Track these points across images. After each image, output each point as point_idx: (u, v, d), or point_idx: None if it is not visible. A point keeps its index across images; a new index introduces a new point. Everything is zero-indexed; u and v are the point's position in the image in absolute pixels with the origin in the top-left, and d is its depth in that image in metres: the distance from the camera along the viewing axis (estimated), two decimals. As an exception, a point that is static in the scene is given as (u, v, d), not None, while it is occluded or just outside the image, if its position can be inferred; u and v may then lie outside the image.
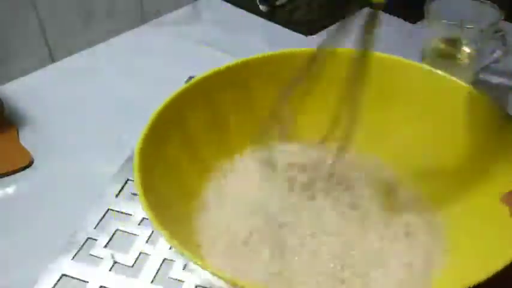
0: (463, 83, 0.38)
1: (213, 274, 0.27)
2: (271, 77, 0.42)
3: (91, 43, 0.61)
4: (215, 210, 0.39)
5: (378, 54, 0.39)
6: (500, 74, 0.56)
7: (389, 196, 0.39)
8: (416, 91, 0.40)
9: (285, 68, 0.42)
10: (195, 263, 0.28)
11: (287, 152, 0.42)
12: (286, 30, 0.65)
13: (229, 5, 0.70)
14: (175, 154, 0.38)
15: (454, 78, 0.39)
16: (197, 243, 0.36)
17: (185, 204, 0.38)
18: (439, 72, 0.39)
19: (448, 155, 0.38)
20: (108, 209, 0.41)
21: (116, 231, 0.40)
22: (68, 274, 0.37)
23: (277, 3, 0.69)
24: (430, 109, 0.40)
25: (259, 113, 0.42)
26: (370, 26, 0.31)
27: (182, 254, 0.28)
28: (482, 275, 0.27)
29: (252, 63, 0.42)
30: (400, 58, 0.41)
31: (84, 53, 0.61)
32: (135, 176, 0.32)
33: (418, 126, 0.40)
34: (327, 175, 0.40)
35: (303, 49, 0.43)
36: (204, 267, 0.28)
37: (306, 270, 0.35)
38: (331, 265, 0.35)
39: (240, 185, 0.41)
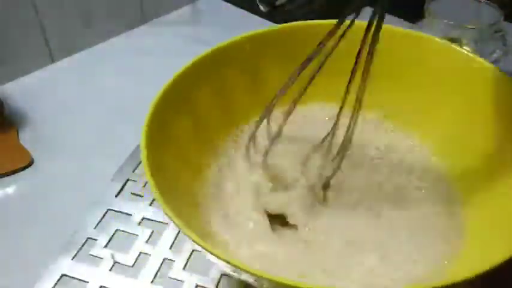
0: (488, 64, 0.37)
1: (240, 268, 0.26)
2: (279, 52, 0.41)
3: (91, 43, 0.61)
4: (223, 190, 0.38)
5: (401, 30, 0.39)
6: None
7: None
8: (445, 71, 0.39)
9: (293, 43, 0.41)
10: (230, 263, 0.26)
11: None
12: (286, 30, 0.65)
13: (229, 5, 0.70)
14: (183, 133, 0.37)
15: (480, 59, 0.38)
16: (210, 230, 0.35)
17: (193, 183, 0.37)
18: (468, 53, 0.38)
19: (474, 139, 0.37)
20: (108, 209, 0.41)
21: (115, 231, 0.40)
22: (68, 274, 0.37)
23: (277, 3, 0.69)
24: (458, 90, 0.39)
25: (268, 90, 0.40)
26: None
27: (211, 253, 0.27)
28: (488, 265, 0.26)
29: (259, 38, 0.41)
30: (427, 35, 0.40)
31: (84, 53, 0.61)
32: (142, 156, 0.31)
33: (446, 108, 0.39)
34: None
35: (312, 21, 0.42)
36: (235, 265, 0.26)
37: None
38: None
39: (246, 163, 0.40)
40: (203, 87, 0.39)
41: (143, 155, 0.31)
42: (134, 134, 0.36)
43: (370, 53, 0.31)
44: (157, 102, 0.35)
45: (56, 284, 0.36)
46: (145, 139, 0.32)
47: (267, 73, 0.41)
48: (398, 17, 0.67)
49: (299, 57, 0.41)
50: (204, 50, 0.61)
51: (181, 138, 0.37)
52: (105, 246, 0.39)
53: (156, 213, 0.41)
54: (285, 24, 0.42)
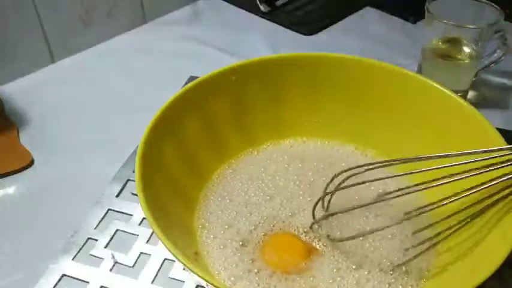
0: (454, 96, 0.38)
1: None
2: (264, 81, 0.42)
3: (91, 43, 0.61)
4: (213, 214, 0.39)
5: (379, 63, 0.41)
6: (500, 74, 0.56)
7: None
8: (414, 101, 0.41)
9: (280, 72, 0.42)
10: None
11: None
12: (286, 30, 0.65)
13: (229, 5, 0.70)
14: (174, 163, 0.38)
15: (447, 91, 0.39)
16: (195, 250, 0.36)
17: (184, 210, 0.38)
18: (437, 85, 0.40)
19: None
20: (108, 209, 0.41)
21: (116, 231, 0.40)
22: (68, 274, 0.37)
23: (277, 3, 0.69)
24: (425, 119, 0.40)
25: (253, 118, 0.42)
26: None
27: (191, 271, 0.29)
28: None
29: (245, 68, 0.42)
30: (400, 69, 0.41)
31: (84, 53, 0.61)
32: (138, 192, 0.33)
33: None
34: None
35: (296, 54, 0.43)
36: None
37: None
38: None
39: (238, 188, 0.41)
40: (191, 118, 0.39)
41: (139, 191, 0.33)
42: (135, 134, 0.36)
43: None
44: (148, 133, 0.35)
45: (56, 284, 0.36)
46: (140, 170, 0.33)
47: (252, 104, 0.42)
48: (399, 17, 0.67)
49: (281, 88, 0.42)
50: (204, 50, 0.61)
51: (175, 173, 0.38)
52: (106, 246, 0.39)
53: (156, 213, 0.41)
54: (267, 56, 0.43)
